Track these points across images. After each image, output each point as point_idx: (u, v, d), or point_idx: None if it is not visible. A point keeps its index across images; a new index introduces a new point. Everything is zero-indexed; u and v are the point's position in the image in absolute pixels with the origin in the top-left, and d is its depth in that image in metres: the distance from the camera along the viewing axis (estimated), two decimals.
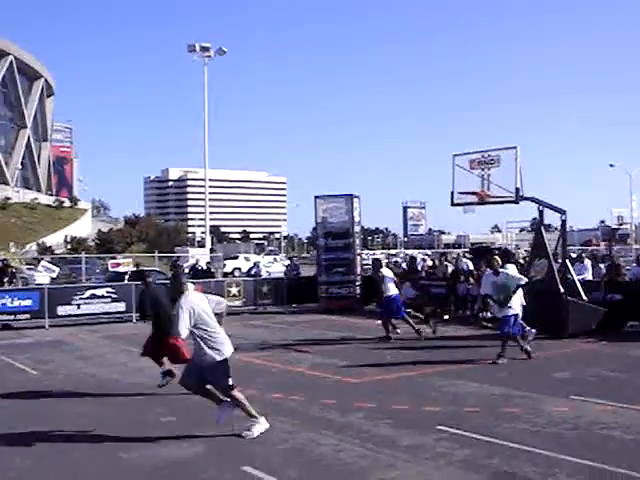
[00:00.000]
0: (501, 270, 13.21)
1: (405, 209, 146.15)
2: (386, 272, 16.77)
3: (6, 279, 23.85)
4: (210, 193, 47.19)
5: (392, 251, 66.75)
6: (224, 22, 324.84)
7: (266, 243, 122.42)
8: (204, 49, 41.64)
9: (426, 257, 34.50)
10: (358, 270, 25.52)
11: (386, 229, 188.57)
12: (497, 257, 14.14)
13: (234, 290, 24.55)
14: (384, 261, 20.81)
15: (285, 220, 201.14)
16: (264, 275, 30.93)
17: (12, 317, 20.57)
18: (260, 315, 23.79)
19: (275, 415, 8.79)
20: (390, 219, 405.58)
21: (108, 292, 22.20)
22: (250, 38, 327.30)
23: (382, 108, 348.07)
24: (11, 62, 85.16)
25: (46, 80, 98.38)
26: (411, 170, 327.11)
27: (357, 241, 25.65)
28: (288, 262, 32.24)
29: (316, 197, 25.77)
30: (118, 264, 29.02)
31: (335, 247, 25.17)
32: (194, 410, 9.17)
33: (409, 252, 47.92)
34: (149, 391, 10.71)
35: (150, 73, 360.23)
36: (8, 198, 73.59)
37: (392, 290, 16.24)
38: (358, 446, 7.62)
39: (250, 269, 33.66)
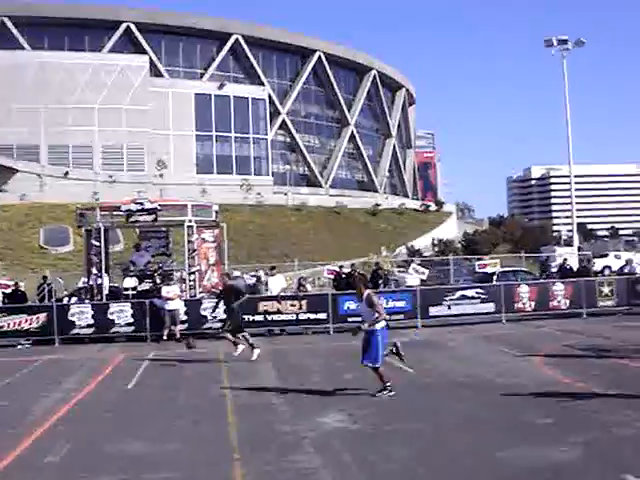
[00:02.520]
0: None
1: None
2: None
3: (380, 281, 25.47)
4: (575, 189, 45.71)
5: None
6: (580, 14, 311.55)
7: (637, 239, 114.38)
8: (562, 42, 40.58)
9: None
10: None
11: None
12: None
13: (606, 290, 23.52)
14: None
15: None
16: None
17: (387, 317, 21.87)
18: (636, 316, 22.41)
19: None
20: None
21: (477, 293, 22.64)
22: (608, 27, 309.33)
23: None
24: (374, 76, 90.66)
25: (407, 90, 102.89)
26: None
27: None
28: None
29: None
30: (485, 265, 29.35)
31: None
32: (572, 413, 9.00)
33: None
34: (525, 392, 10.73)
35: (505, 73, 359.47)
36: (378, 205, 78.27)
37: None
38: None
39: (622, 267, 31.80)
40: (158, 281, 22.69)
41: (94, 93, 64.99)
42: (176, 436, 8.96)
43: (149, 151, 66.77)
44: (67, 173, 63.55)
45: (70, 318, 20.97)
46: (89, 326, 21.05)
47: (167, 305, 20.59)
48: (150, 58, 69.81)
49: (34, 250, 47.91)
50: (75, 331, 21.07)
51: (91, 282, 22.89)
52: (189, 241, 22.93)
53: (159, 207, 22.90)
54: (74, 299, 22.86)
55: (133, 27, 70.11)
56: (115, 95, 65.56)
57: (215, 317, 19.27)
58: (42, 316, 20.97)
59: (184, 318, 21.12)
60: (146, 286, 22.88)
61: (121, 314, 21.08)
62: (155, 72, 70.41)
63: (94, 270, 22.77)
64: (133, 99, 66.25)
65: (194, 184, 63.76)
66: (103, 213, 23.53)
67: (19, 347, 20.73)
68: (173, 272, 23.55)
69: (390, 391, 10.88)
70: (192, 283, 22.76)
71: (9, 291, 23.52)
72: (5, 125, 62.69)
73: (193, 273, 22.82)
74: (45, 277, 25.70)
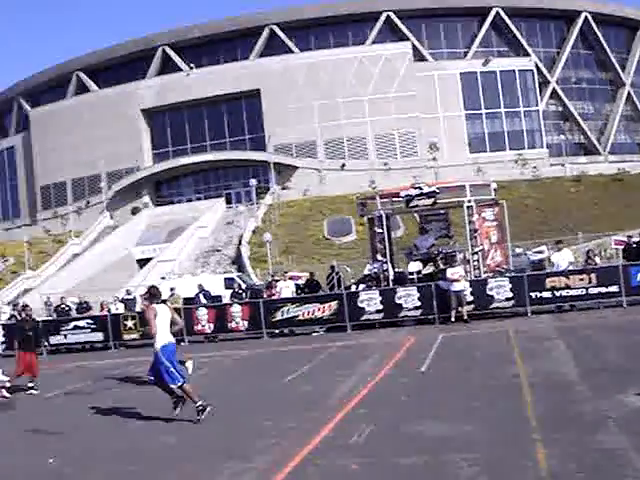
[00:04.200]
0: None
1: None
2: None
3: None
4: None
5: None
6: None
7: None
8: None
9: None
10: None
11: None
12: None
13: None
14: None
15: None
16: None
17: None
18: None
19: None
20: None
21: None
22: None
23: None
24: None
25: None
26: None
27: None
28: None
29: None
30: None
31: None
32: None
33: None
34: None
35: None
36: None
37: None
38: None
39: None
40: (440, 264, 22.74)
41: (362, 85, 66.94)
42: (473, 417, 8.88)
43: (420, 135, 67.37)
44: (344, 165, 66.13)
45: (360, 305, 21.66)
46: (378, 311, 21.60)
47: (453, 287, 20.57)
48: (412, 43, 70.33)
49: (319, 242, 50.39)
50: (365, 317, 21.72)
51: (377, 268, 23.48)
52: (470, 221, 22.72)
53: (437, 190, 22.92)
54: (362, 286, 23.56)
55: (393, 15, 71.05)
56: (382, 84, 66.99)
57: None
58: (333, 304, 21.89)
59: (470, 299, 20.94)
60: (430, 269, 23.02)
61: (408, 298, 21.37)
62: (418, 57, 70.83)
63: (379, 256, 23.36)
64: (400, 86, 67.23)
65: (467, 164, 63.38)
66: (383, 200, 24.06)
67: (314, 334, 21.82)
68: (455, 253, 23.43)
69: None
70: (476, 263, 22.50)
71: (301, 282, 24.90)
72: (283, 125, 66.81)
73: (476, 253, 22.57)
74: (333, 267, 26.82)
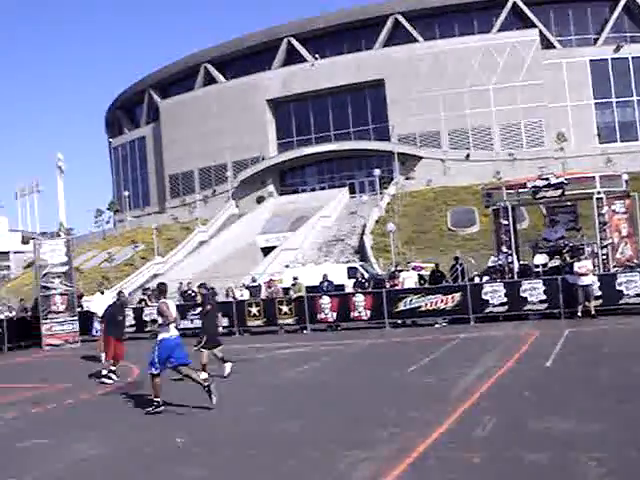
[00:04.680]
0: None
1: None
2: None
3: None
4: None
5: None
6: None
7: None
8: None
9: None
10: None
11: None
12: None
13: None
14: None
15: None
16: None
17: None
18: None
19: None
20: None
21: None
22: None
23: None
24: None
25: None
26: None
27: None
28: None
29: None
30: None
31: None
32: None
33: None
34: None
35: None
36: None
37: None
38: None
39: None
40: (567, 257, 22.18)
41: (487, 74, 65.68)
42: (602, 415, 8.63)
43: (547, 125, 65.47)
44: (468, 156, 65.21)
45: (483, 297, 21.43)
46: (502, 304, 21.31)
47: (580, 281, 20.03)
48: (540, 31, 68.26)
49: (443, 232, 50.01)
50: (489, 309, 21.47)
51: (501, 260, 23.14)
52: (599, 214, 22.04)
53: (566, 181, 22.33)
54: (485, 278, 23.30)
55: (519, 2, 69.17)
56: (508, 73, 65.49)
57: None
58: (457, 296, 21.74)
59: (598, 293, 20.33)
60: (556, 262, 22.49)
61: (533, 291, 20.96)
62: (546, 44, 68.67)
63: (504, 248, 23.03)
64: (526, 75, 65.49)
65: (596, 154, 61.10)
66: (509, 192, 23.65)
67: (436, 326, 21.71)
68: (583, 246, 22.77)
69: None
70: (605, 257, 21.82)
71: (424, 272, 24.88)
72: (407, 115, 66.55)
73: (605, 247, 21.88)
74: (457, 258, 26.63)
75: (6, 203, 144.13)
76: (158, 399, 10.93)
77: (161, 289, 12.10)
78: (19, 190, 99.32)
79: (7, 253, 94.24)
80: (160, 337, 11.07)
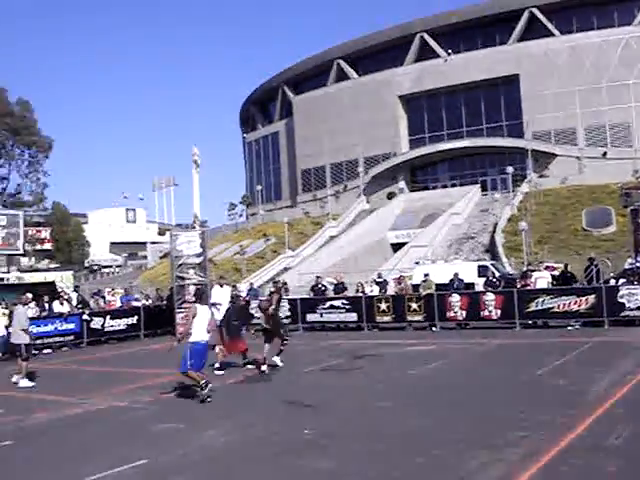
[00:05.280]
0: None
1: None
2: None
3: None
4: None
5: None
6: None
7: None
8: None
9: None
10: None
11: None
12: None
13: None
14: None
15: None
16: None
17: None
18: None
19: None
20: None
21: None
22: None
23: None
24: None
25: None
26: None
27: None
28: None
29: None
30: None
31: None
32: None
33: None
34: None
35: None
36: None
37: None
38: None
39: None
40: None
41: (628, 68, 62.94)
42: None
43: None
44: (605, 153, 62.86)
45: (619, 300, 20.78)
46: (639, 308, 20.77)
47: None
48: None
49: (577, 232, 48.65)
50: (624, 313, 20.78)
51: (639, 263, 22.54)
52: None
53: None
54: (622, 280, 22.71)
55: None
56: None
57: None
58: (591, 298, 21.17)
59: None
60: None
61: None
62: None
63: None
64: None
65: None
66: None
67: (569, 328, 21.18)
68: None
69: None
70: None
71: (556, 273, 24.48)
72: (541, 112, 64.90)
73: None
74: (592, 259, 25.99)
75: (144, 196, 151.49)
76: (203, 381, 11.62)
77: (197, 294, 13.10)
78: (156, 183, 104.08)
79: (144, 244, 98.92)
80: (192, 340, 11.84)
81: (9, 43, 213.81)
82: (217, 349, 15.46)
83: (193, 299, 13.30)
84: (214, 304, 21.21)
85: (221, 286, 21.96)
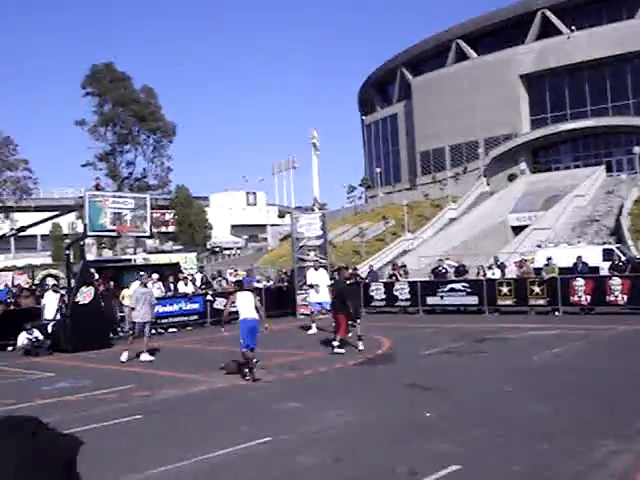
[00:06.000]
0: None
1: None
2: None
3: None
4: None
5: None
6: None
7: None
8: None
9: None
10: None
11: None
12: None
13: None
14: None
15: None
16: None
17: None
18: None
19: None
20: None
21: None
22: None
23: None
24: None
25: None
26: None
27: None
28: None
29: None
30: None
31: None
32: None
33: None
34: None
35: None
36: None
37: None
38: None
39: None
40: None
41: None
42: None
43: None
44: None
45: None
46: None
47: None
48: None
49: None
50: None
51: None
52: None
53: None
54: None
55: None
56: None
57: None
58: None
59: None
60: None
61: None
62: None
63: None
64: None
65: None
66: None
67: None
68: None
69: None
70: None
71: None
72: None
73: None
74: None
75: (264, 179, 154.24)
76: (254, 361, 12.76)
77: (237, 282, 15.98)
78: (276, 166, 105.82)
79: (264, 226, 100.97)
80: (241, 318, 13.29)
81: (135, 31, 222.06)
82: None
83: (235, 288, 15.07)
84: (311, 286, 21.90)
85: (316, 269, 22.42)
